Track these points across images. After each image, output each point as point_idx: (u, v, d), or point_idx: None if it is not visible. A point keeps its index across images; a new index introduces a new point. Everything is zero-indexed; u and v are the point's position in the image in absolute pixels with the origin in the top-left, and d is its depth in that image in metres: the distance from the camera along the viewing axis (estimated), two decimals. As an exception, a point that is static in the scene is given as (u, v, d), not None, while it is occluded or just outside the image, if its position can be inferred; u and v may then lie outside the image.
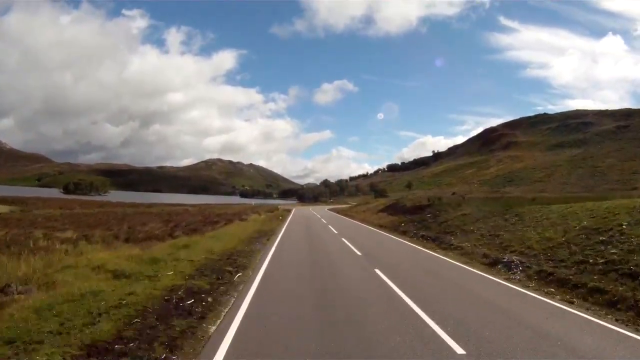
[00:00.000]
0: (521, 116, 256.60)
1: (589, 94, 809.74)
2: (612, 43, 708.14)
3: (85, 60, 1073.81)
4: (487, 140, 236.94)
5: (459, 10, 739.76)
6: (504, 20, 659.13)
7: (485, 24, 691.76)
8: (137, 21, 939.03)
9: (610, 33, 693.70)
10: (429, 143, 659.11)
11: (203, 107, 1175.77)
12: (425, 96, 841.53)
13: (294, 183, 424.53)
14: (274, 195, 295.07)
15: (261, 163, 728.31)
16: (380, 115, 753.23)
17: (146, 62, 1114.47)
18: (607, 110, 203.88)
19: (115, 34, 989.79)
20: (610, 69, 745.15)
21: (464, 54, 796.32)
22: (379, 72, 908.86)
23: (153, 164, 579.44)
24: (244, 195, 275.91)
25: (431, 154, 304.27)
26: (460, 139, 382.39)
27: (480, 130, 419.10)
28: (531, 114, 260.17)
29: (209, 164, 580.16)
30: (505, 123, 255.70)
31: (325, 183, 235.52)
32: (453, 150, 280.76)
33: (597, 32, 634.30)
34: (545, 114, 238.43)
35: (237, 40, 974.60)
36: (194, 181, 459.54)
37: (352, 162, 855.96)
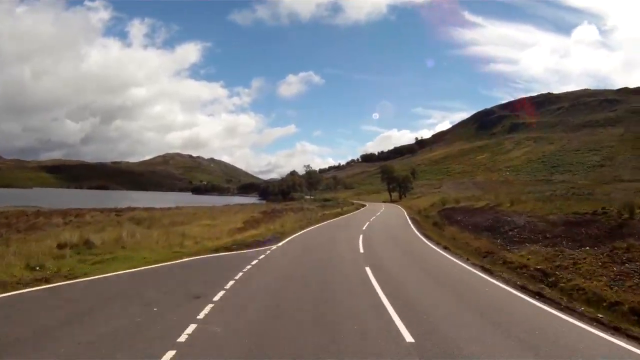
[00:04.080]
0: (481, 109, 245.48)
1: (554, 88, 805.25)
2: (578, 39, 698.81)
3: (44, 54, 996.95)
4: (484, 123, 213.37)
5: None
6: (468, 16, 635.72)
7: (450, 18, 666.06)
8: (100, 12, 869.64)
9: (575, 29, 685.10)
10: (394, 137, 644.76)
11: (166, 103, 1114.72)
12: (390, 90, 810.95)
13: (257, 178, 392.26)
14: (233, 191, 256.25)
15: (224, 158, 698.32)
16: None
17: (108, 55, 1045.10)
18: (627, 88, 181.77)
19: (76, 26, 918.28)
20: (575, 64, 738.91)
21: (430, 48, 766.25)
22: (345, 64, 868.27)
23: (115, 160, 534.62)
24: (197, 191, 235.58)
25: (414, 141, 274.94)
26: (426, 133, 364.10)
27: (447, 124, 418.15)
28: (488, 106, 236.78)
29: (166, 158, 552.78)
30: (502, 105, 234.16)
31: (296, 174, 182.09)
32: (440, 137, 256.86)
33: (563, 28, 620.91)
34: (549, 93, 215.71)
35: (201, 32, 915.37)
36: (148, 177, 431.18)
37: (315, 156, 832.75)
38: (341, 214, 45.15)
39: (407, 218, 38.03)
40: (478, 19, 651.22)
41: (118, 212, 48.68)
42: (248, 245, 17.51)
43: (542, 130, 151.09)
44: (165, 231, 21.49)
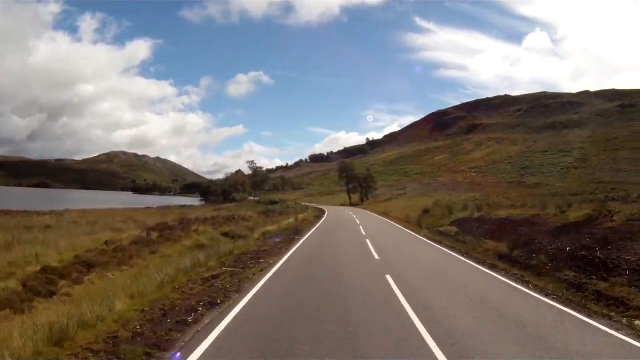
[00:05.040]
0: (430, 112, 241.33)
1: (502, 92, 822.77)
2: (529, 46, 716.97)
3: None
4: (440, 123, 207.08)
5: (383, 1, 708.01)
6: (420, 21, 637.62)
7: (401, 23, 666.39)
8: (50, 5, 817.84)
9: (526, 37, 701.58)
10: (342, 139, 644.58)
11: (114, 100, 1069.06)
12: (340, 92, 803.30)
13: (204, 178, 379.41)
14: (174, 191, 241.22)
15: (172, 158, 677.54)
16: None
17: (57, 50, 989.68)
18: (587, 91, 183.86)
19: (24, 18, 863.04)
20: (525, 71, 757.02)
21: (381, 51, 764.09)
22: (296, 65, 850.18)
23: (60, 158, 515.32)
24: (137, 190, 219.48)
25: (365, 142, 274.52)
26: (375, 135, 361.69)
27: (395, 127, 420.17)
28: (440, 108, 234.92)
29: (110, 156, 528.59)
30: (457, 106, 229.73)
31: (241, 173, 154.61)
32: (392, 138, 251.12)
33: (514, 36, 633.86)
34: (506, 95, 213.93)
35: (152, 29, 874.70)
36: (91, 175, 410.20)
37: (263, 157, 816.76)
38: (299, 232, 24.73)
39: (426, 240, 20.84)
40: (429, 25, 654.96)
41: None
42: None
43: (503, 131, 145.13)
44: None
